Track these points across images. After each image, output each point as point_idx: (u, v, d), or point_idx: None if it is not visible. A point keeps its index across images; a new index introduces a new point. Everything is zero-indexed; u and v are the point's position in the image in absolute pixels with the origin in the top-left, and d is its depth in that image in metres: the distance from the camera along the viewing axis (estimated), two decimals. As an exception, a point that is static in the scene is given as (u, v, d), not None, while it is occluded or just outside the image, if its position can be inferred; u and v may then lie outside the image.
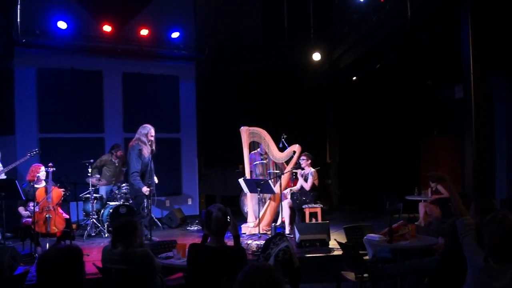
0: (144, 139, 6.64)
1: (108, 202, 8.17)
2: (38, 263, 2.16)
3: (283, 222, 7.82)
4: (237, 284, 1.96)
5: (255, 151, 8.45)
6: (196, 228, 8.62)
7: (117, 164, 8.55)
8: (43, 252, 2.21)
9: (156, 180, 7.07)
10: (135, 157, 6.54)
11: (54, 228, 6.37)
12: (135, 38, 9.15)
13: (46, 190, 6.48)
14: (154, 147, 6.73)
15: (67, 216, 6.68)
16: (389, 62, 9.01)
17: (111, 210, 7.82)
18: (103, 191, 8.47)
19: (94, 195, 7.97)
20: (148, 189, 6.59)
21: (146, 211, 6.70)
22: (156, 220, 8.69)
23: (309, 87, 10.74)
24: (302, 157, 7.75)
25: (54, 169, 6.60)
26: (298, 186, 7.84)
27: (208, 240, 3.41)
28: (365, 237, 5.28)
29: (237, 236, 3.53)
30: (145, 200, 6.64)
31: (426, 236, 5.08)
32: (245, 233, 7.71)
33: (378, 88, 10.60)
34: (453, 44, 6.70)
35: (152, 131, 6.71)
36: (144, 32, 9.11)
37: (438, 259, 3.94)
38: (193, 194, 10.27)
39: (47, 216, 6.32)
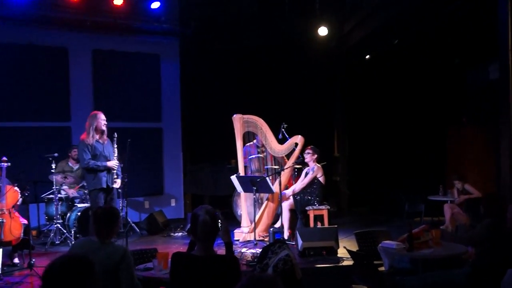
0: (95, 127, 6.80)
1: (76, 204, 8.16)
2: (43, 279, 2.19)
3: (283, 227, 7.83)
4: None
5: (251, 143, 8.47)
6: (180, 234, 8.66)
7: (76, 168, 8.60)
8: (48, 265, 2.21)
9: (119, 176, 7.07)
10: (83, 151, 6.76)
11: (9, 235, 6.32)
12: (108, 9, 9.06)
13: None
14: (105, 134, 6.94)
15: (25, 221, 6.64)
16: (409, 37, 8.99)
17: (79, 213, 7.77)
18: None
19: (59, 195, 7.95)
20: (115, 162, 6.79)
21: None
22: (133, 224, 8.70)
23: (313, 68, 10.76)
24: (307, 151, 7.77)
25: (9, 164, 6.56)
26: (297, 185, 7.85)
27: (195, 249, 3.39)
28: (380, 245, 5.30)
29: (229, 243, 3.53)
30: (101, 197, 6.74)
31: (453, 243, 5.09)
32: (238, 240, 7.74)
33: (395, 69, 10.61)
34: (487, 14, 6.66)
35: (103, 117, 6.86)
36: (118, 1, 9.04)
37: (468, 271, 3.93)
38: (177, 194, 10.31)
39: (0, 221, 6.28)
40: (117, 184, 6.92)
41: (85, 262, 2.24)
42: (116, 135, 6.86)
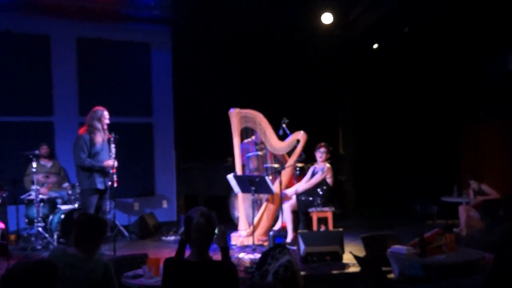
0: (97, 125, 6.96)
1: (59, 206, 8.14)
2: (3, 283, 2.21)
3: (283, 230, 7.86)
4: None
5: (249, 139, 8.49)
6: (173, 238, 8.68)
7: (50, 165, 8.60)
8: (7, 270, 2.30)
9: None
10: (81, 148, 6.83)
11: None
12: (94, -7, 9.06)
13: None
14: (109, 135, 7.09)
15: (3, 225, 6.62)
16: (421, 24, 8.96)
17: (62, 216, 7.76)
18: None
19: (41, 196, 7.91)
20: (112, 162, 6.91)
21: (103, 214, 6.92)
22: (121, 228, 8.70)
23: (317, 59, 10.74)
24: (322, 149, 7.81)
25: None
26: (302, 185, 7.86)
27: (189, 254, 3.41)
28: (389, 250, 5.33)
29: (225, 248, 3.54)
30: (94, 198, 6.82)
31: (469, 248, 5.10)
32: (235, 245, 7.77)
33: (406, 59, 10.59)
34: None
35: (106, 115, 7.03)
36: (105, -15, 9.03)
37: (485, 280, 3.93)
38: (169, 194, 10.29)
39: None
40: (111, 164, 6.98)
41: (48, 267, 2.30)
42: (114, 135, 7.02)
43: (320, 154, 7.78)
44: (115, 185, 7.11)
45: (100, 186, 6.91)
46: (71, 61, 9.49)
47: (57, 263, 3.36)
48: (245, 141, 8.43)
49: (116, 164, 6.96)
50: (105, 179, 6.97)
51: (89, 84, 9.55)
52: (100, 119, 6.97)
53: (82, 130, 6.99)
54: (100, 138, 6.97)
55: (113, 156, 6.99)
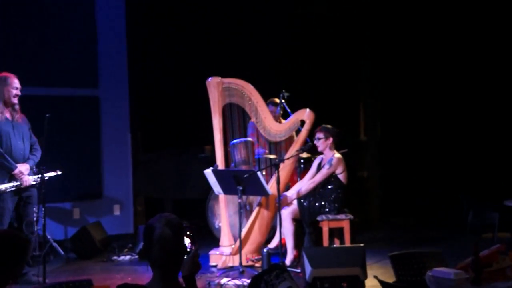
0: (5, 94, 7.03)
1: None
2: None
3: (282, 246, 7.79)
4: None
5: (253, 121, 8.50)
6: (128, 257, 8.68)
7: None
8: None
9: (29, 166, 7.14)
10: None
11: None
12: None
13: None
14: (18, 107, 7.16)
15: None
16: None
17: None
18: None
19: None
20: (27, 167, 7.00)
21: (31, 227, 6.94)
22: (54, 244, 8.58)
23: (331, 17, 10.89)
24: (318, 135, 7.82)
25: None
26: (305, 184, 7.87)
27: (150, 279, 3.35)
28: (429, 273, 5.25)
29: (189, 278, 3.49)
30: (8, 199, 6.89)
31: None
32: (216, 266, 7.81)
33: (451, 19, 10.61)
34: None
35: (16, 83, 7.06)
36: None
37: None
38: (123, 197, 10.29)
39: None
40: (27, 180, 6.99)
41: (21, 239, 2.80)
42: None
43: (317, 141, 7.78)
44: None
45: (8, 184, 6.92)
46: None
47: None
48: (253, 120, 8.47)
49: (31, 169, 6.99)
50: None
51: (9, 42, 9.45)
52: (6, 90, 6.98)
53: None
54: (9, 116, 7.00)
55: (35, 144, 7.09)
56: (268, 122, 8.18)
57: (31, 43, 9.54)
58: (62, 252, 8.62)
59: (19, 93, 7.02)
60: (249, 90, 8.15)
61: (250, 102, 8.17)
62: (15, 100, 7.00)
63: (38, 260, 6.99)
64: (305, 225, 7.75)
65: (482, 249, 5.02)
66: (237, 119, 8.52)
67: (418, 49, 11.06)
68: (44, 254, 7.18)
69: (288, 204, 7.83)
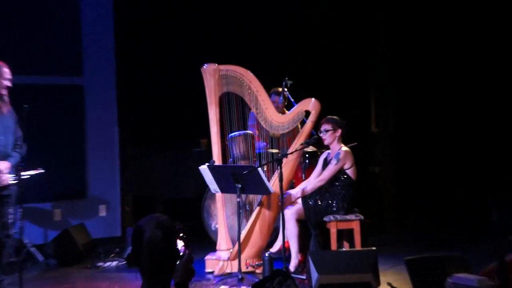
0: None
1: None
2: None
3: (286, 250, 7.73)
4: None
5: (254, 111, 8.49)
6: (115, 263, 8.70)
7: None
8: None
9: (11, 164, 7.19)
10: None
11: None
12: None
13: None
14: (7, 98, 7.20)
15: None
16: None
17: None
18: None
19: None
20: (5, 166, 6.98)
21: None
22: (32, 249, 8.60)
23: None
24: (324, 126, 7.78)
25: None
26: (311, 182, 7.86)
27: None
28: (449, 280, 5.40)
29: (184, 282, 3.38)
30: None
31: None
32: (212, 272, 7.83)
33: (468, 10, 10.71)
34: None
35: (7, 73, 7.09)
36: None
37: None
38: (109, 196, 10.30)
39: None
40: (5, 179, 6.98)
41: None
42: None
43: (323, 134, 7.75)
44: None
45: None
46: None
47: None
48: (253, 110, 8.50)
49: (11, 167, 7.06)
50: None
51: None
52: None
53: None
54: None
55: (17, 140, 7.14)
56: (270, 113, 8.13)
57: (11, 27, 9.56)
58: (41, 258, 8.61)
59: (10, 84, 7.04)
60: (249, 78, 8.13)
61: (249, 91, 8.15)
62: (4, 91, 7.02)
63: (14, 267, 7.00)
64: (311, 226, 7.70)
65: (508, 253, 5.05)
66: (235, 110, 8.44)
67: (439, 40, 11.14)
68: (21, 261, 7.23)
69: (292, 203, 7.76)
